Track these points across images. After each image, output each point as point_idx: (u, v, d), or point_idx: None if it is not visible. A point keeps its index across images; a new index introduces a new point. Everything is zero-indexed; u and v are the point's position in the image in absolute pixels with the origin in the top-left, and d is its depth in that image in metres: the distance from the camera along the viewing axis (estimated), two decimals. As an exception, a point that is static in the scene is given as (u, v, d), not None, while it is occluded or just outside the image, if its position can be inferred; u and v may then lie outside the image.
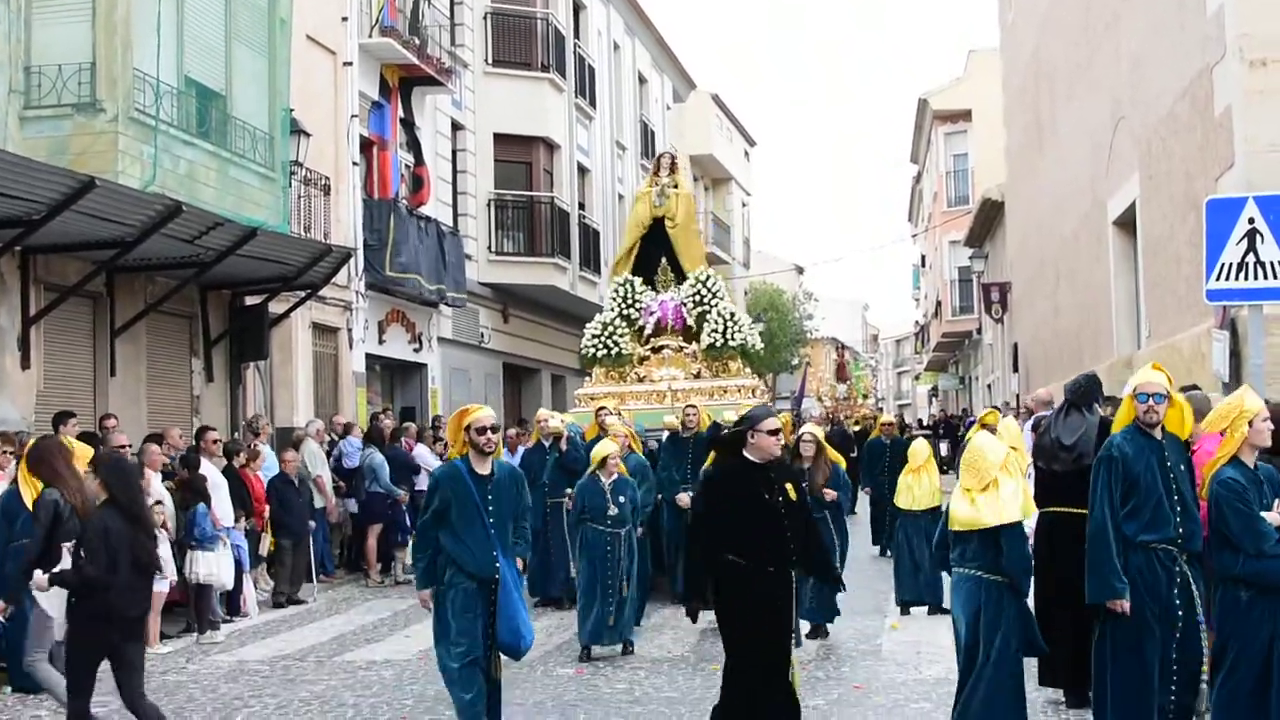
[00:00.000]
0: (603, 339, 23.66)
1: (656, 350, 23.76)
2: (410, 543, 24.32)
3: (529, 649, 11.33)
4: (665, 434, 20.77)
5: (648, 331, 23.86)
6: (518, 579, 11.30)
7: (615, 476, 16.31)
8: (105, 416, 19.10)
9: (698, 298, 23.67)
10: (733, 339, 23.24)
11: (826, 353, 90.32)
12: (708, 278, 23.98)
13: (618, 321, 23.77)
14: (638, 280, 24.15)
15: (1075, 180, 28.91)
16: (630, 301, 23.91)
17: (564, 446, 19.83)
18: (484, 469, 11.09)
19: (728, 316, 23.41)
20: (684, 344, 23.72)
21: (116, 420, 18.93)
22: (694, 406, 20.40)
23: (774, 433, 10.19)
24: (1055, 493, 12.07)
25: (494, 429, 11.13)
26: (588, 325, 24.25)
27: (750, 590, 10.08)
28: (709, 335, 23.29)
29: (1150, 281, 22.27)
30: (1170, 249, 20.62)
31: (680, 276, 24.18)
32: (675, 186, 24.74)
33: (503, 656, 11.21)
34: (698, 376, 23.31)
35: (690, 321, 23.70)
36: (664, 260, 24.40)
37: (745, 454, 10.25)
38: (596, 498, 16.12)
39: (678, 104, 56.02)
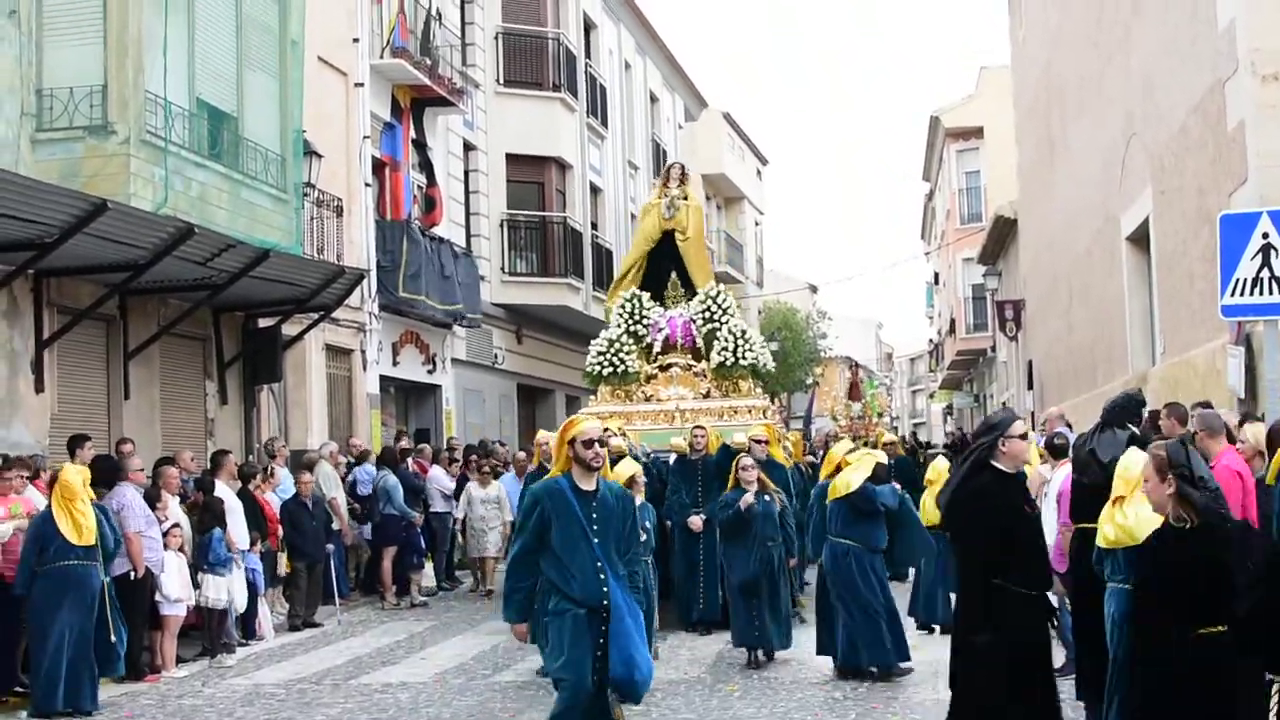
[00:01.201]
0: (609, 356, 22.71)
1: (664, 369, 22.90)
2: (425, 564, 24.41)
3: (647, 684, 10.23)
4: (673, 456, 20.09)
5: (656, 349, 23.07)
6: (633, 607, 10.15)
7: (640, 500, 14.96)
8: (122, 440, 19.09)
9: (707, 314, 22.90)
10: (743, 358, 22.40)
11: (840, 372, 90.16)
12: (718, 294, 23.22)
13: (624, 338, 22.88)
14: (645, 295, 23.40)
15: (1088, 196, 28.88)
16: (637, 318, 23.10)
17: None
18: (588, 485, 10.01)
19: (738, 334, 22.55)
20: (693, 362, 22.89)
21: (133, 445, 18.93)
22: (702, 428, 19.96)
23: (1024, 436, 9.56)
24: (1089, 509, 12.00)
25: (602, 442, 10.14)
26: (593, 342, 23.32)
27: (1021, 619, 9.39)
28: (719, 353, 22.42)
29: (1164, 297, 22.23)
30: (1184, 265, 20.58)
31: (691, 292, 23.53)
32: (685, 198, 24.10)
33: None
34: (707, 396, 22.47)
35: (699, 339, 22.92)
36: (674, 275, 23.75)
37: (995, 464, 9.55)
38: None
39: (689, 123, 56.05)
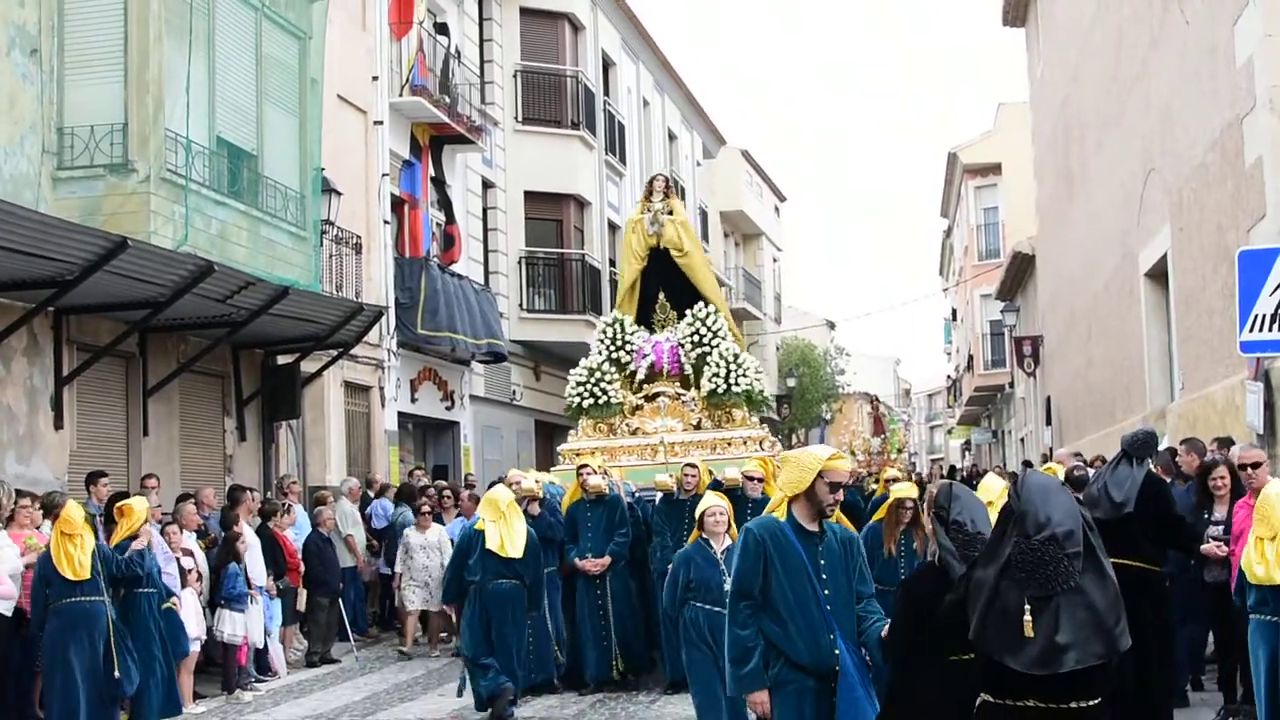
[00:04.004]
0: (589, 386, 21.16)
1: (650, 398, 21.29)
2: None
3: None
4: (658, 496, 18.26)
5: (639, 377, 21.53)
6: (864, 672, 8.69)
7: (729, 542, 12.61)
8: (146, 476, 19.11)
9: (696, 338, 21.30)
10: (736, 384, 20.76)
11: (859, 407, 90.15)
12: (707, 314, 21.49)
13: (606, 366, 21.34)
14: (628, 319, 21.88)
15: (1106, 232, 28.86)
16: (620, 343, 21.62)
17: (536, 510, 17.44)
18: (814, 526, 8.59)
19: (730, 359, 20.91)
20: (681, 391, 21.26)
21: (158, 480, 18.99)
22: (694, 466, 17.74)
23: None
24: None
25: (846, 488, 8.84)
26: (572, 371, 21.80)
27: None
28: (709, 380, 20.80)
29: (1183, 333, 22.19)
30: (1203, 301, 20.55)
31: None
32: (670, 213, 22.32)
33: None
34: (697, 427, 20.86)
35: (688, 365, 21.36)
36: (661, 296, 22.08)
37: None
38: (707, 568, 12.67)
39: (708, 160, 56.16)
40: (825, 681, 8.41)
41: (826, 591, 8.46)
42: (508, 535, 15.68)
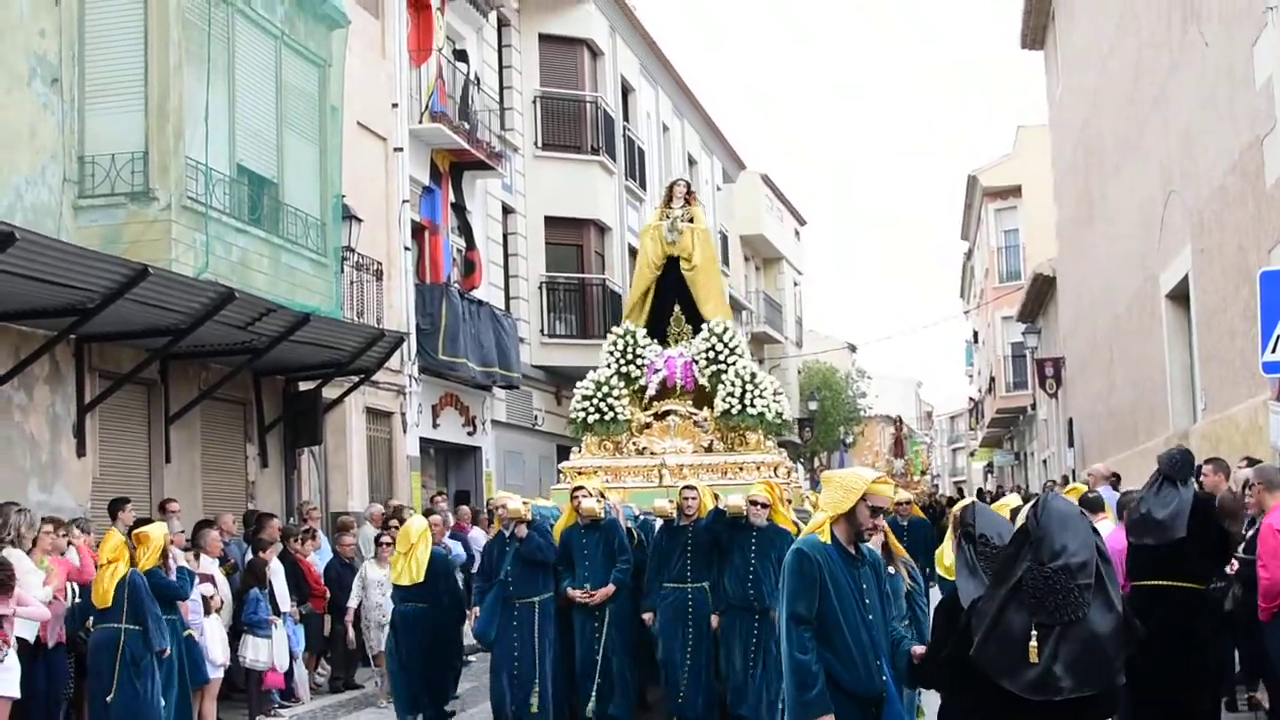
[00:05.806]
0: (595, 401, 19.83)
1: (660, 417, 19.95)
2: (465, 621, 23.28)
3: None
4: (658, 522, 16.91)
5: (650, 393, 20.16)
6: (898, 694, 8.63)
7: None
8: (167, 500, 19.15)
9: (712, 354, 19.89)
10: (752, 405, 19.29)
11: (882, 429, 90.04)
12: (724, 329, 20.08)
13: (615, 380, 19.97)
14: (640, 331, 20.45)
15: (1127, 254, 28.82)
16: (630, 357, 20.17)
17: (523, 534, 16.21)
18: (852, 548, 8.43)
19: (747, 378, 19.47)
20: (694, 410, 19.88)
21: (179, 505, 19.01)
22: (693, 489, 16.29)
23: None
24: (1149, 566, 12.00)
25: (887, 513, 8.79)
26: (579, 384, 20.37)
27: None
28: (723, 400, 19.37)
29: (1205, 354, 22.15)
30: (1224, 321, 20.51)
31: (699, 328, 20.40)
32: (690, 220, 20.91)
33: None
34: (709, 450, 19.46)
35: (703, 382, 19.92)
36: (677, 308, 20.74)
37: None
38: None
39: (728, 184, 56.21)
40: (868, 706, 8.24)
41: (870, 617, 8.29)
42: (407, 565, 16.67)
